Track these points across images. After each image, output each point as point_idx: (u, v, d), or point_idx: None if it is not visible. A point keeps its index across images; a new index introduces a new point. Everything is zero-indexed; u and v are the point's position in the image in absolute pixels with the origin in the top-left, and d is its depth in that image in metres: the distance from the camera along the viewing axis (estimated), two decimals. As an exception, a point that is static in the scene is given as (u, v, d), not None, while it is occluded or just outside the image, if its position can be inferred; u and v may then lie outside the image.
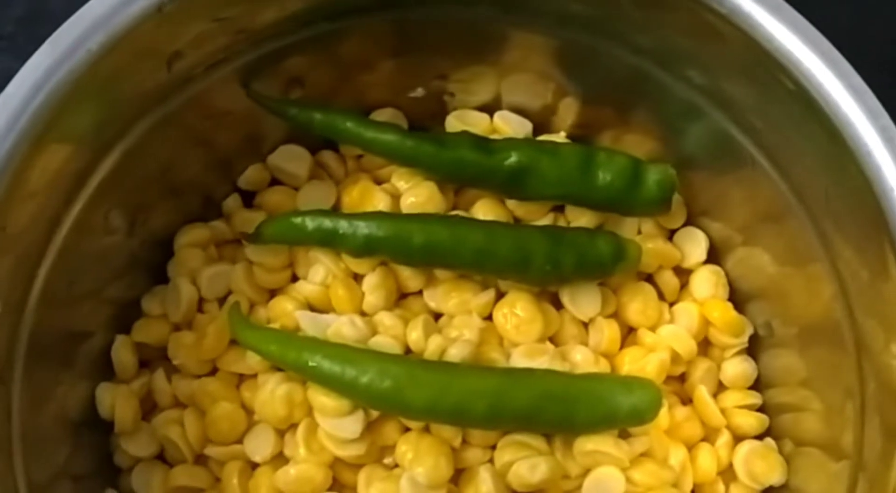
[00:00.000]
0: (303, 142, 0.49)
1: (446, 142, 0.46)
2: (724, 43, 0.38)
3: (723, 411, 0.46)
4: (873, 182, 0.35)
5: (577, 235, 0.46)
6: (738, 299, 0.48)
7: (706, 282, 0.48)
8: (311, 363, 0.42)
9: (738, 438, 0.47)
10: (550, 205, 0.48)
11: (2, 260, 0.37)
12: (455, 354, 0.43)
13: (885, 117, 0.36)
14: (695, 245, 0.49)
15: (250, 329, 0.44)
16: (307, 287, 0.46)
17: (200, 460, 0.45)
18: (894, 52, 0.57)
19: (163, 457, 0.46)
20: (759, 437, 0.47)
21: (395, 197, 0.47)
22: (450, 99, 0.50)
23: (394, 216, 0.45)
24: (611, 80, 0.46)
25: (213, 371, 0.46)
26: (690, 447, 0.46)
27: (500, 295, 0.46)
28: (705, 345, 0.48)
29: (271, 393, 0.43)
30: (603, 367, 0.45)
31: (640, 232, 0.49)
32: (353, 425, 0.42)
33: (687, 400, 0.47)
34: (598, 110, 0.48)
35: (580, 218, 0.48)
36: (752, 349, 0.48)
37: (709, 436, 0.47)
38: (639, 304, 0.47)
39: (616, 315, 0.47)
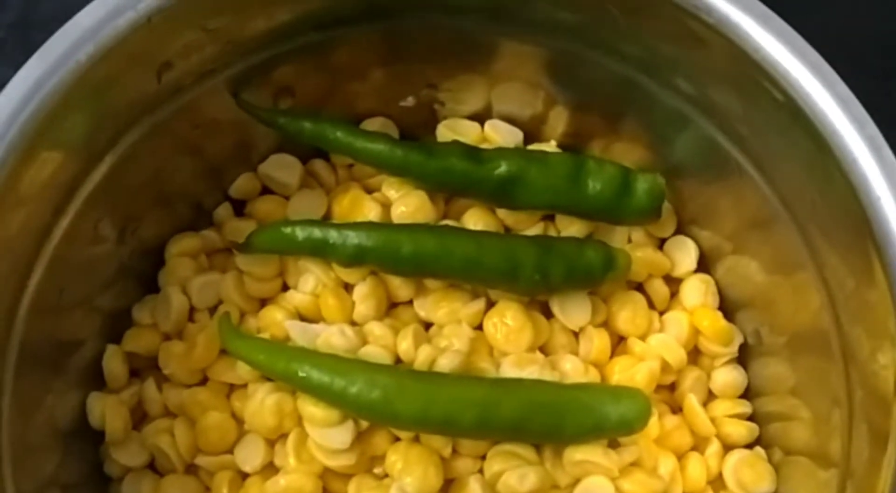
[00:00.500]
0: (293, 151, 0.49)
1: (436, 151, 0.46)
2: (712, 52, 0.39)
3: (712, 420, 0.46)
4: (859, 191, 0.35)
5: (566, 244, 0.46)
6: (727, 307, 0.48)
7: (696, 291, 0.48)
8: (300, 373, 0.42)
9: (727, 447, 0.47)
10: (541, 214, 0.48)
11: (-8, 269, 0.37)
12: (445, 364, 0.43)
13: (872, 126, 0.36)
14: (684, 254, 0.49)
15: (240, 339, 0.44)
16: (297, 297, 0.46)
17: (191, 469, 0.45)
18: (884, 60, 0.57)
19: (153, 467, 0.46)
20: (749, 446, 0.47)
21: (386, 206, 0.47)
22: (440, 108, 0.50)
23: (383, 226, 0.45)
24: (600, 89, 0.46)
25: (204, 381, 0.46)
26: (680, 457, 0.46)
27: (490, 304, 0.46)
28: (695, 354, 0.48)
29: (261, 403, 0.43)
30: (593, 376, 0.45)
31: (630, 241, 0.49)
32: (342, 435, 0.42)
33: (677, 409, 0.47)
34: (588, 119, 0.48)
35: (570, 227, 0.48)
36: (742, 358, 0.48)
37: (698, 445, 0.47)
38: (628, 313, 0.47)
39: (606, 324, 0.47)
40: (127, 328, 0.47)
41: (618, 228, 0.48)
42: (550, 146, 0.49)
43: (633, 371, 0.45)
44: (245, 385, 0.45)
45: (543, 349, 0.46)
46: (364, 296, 0.45)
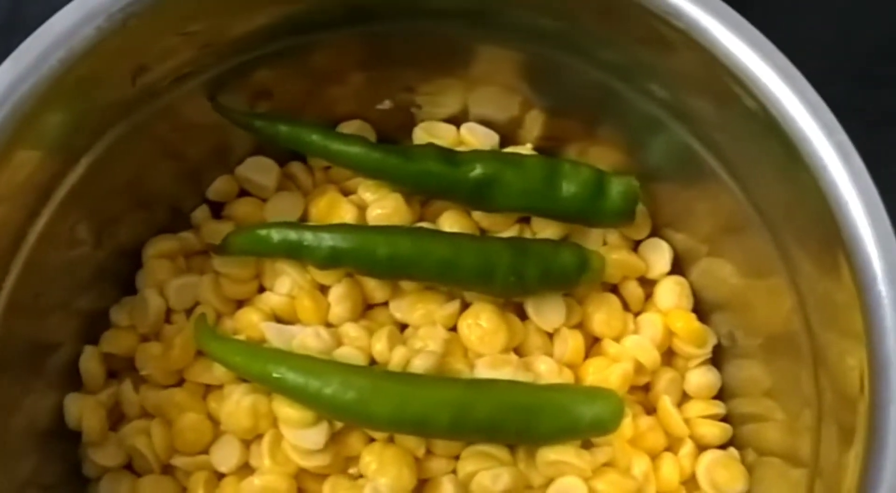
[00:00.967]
0: (271, 153, 0.49)
1: (412, 154, 0.46)
2: (684, 58, 0.39)
3: (686, 421, 0.47)
4: (828, 196, 0.36)
5: (541, 246, 0.46)
6: (702, 309, 0.49)
7: (670, 293, 0.48)
8: (275, 375, 0.42)
9: (701, 448, 0.47)
10: (516, 217, 0.48)
11: (-34, 271, 0.37)
12: (419, 365, 0.43)
13: (841, 132, 0.36)
14: (659, 256, 0.49)
15: (216, 340, 0.44)
16: (273, 298, 0.46)
17: (167, 470, 0.45)
18: (863, 61, 0.58)
19: (131, 467, 0.46)
20: (723, 447, 0.47)
21: (362, 208, 0.47)
22: (417, 111, 0.50)
23: (358, 228, 0.45)
24: (576, 93, 0.46)
25: (181, 382, 0.46)
26: (654, 457, 0.46)
27: (465, 306, 0.47)
28: (669, 355, 0.48)
29: (237, 404, 0.43)
30: (567, 377, 0.46)
31: (605, 243, 0.49)
32: (317, 436, 0.42)
33: (651, 410, 0.48)
34: (564, 123, 0.48)
35: (546, 229, 0.48)
36: (716, 360, 0.48)
37: (672, 446, 0.47)
38: (603, 314, 0.47)
39: (580, 326, 0.48)
40: (104, 330, 0.47)
41: (593, 230, 0.49)
42: (527, 149, 0.50)
43: (608, 372, 0.46)
44: (221, 386, 0.45)
45: (518, 351, 0.47)
46: (340, 298, 0.45)
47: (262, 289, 0.48)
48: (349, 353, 0.44)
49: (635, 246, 0.50)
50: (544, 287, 0.46)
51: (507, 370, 0.44)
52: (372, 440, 0.44)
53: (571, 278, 0.46)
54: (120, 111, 0.42)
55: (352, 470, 0.44)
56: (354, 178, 0.49)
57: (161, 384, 0.46)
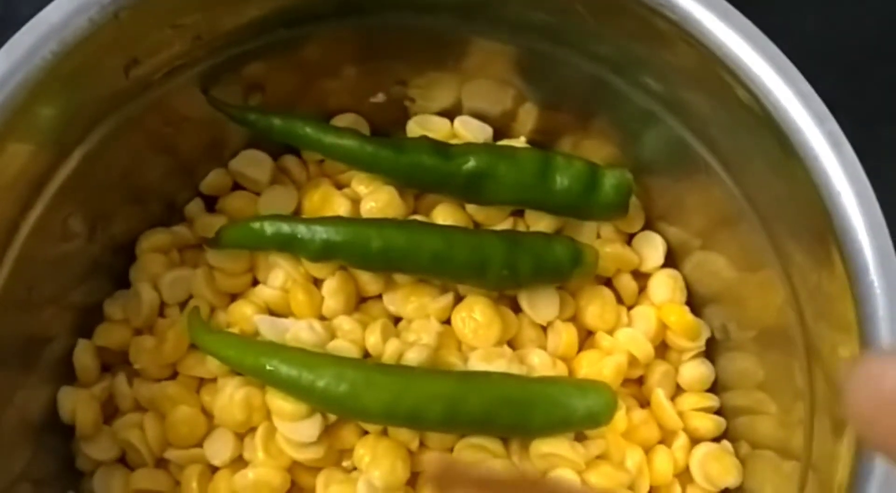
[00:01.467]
0: (264, 147, 0.49)
1: (405, 147, 0.46)
2: (677, 50, 0.39)
3: (680, 413, 0.47)
4: (820, 187, 0.36)
5: (534, 239, 0.46)
6: (695, 302, 0.49)
7: (664, 286, 0.48)
8: (268, 367, 0.42)
9: (694, 440, 0.47)
10: (510, 210, 0.48)
11: (-41, 264, 0.37)
12: (412, 358, 0.43)
13: (832, 122, 0.36)
14: (652, 249, 0.49)
15: (209, 334, 0.44)
16: (267, 292, 0.46)
17: (161, 463, 0.45)
18: (861, 57, 0.58)
19: (124, 460, 0.46)
20: (716, 439, 0.47)
21: (356, 202, 0.47)
22: (410, 104, 0.50)
23: (351, 221, 0.45)
24: (569, 86, 0.46)
25: (174, 375, 0.46)
26: (647, 450, 0.46)
27: (458, 299, 0.47)
28: (663, 348, 0.48)
29: (230, 397, 0.43)
30: (560, 370, 0.46)
31: (598, 236, 0.49)
32: (310, 428, 0.43)
33: (645, 403, 0.48)
34: (558, 116, 0.48)
35: (539, 222, 0.48)
36: (710, 353, 0.49)
37: (666, 439, 0.47)
38: (597, 307, 0.48)
39: (574, 319, 0.48)
40: (98, 323, 0.47)
41: (586, 223, 0.49)
42: (520, 142, 0.50)
43: (601, 365, 0.46)
44: (214, 380, 0.45)
45: (511, 344, 0.47)
46: (333, 291, 0.46)
47: (255, 282, 0.48)
48: (343, 346, 0.44)
49: (629, 239, 0.50)
50: (538, 280, 0.46)
51: (500, 363, 0.44)
52: (365, 432, 0.44)
53: (565, 271, 0.46)
54: (113, 104, 0.42)
55: (345, 463, 0.44)
56: (348, 171, 0.49)
57: (154, 378, 0.46)
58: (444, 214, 0.47)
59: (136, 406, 0.46)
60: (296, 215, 0.48)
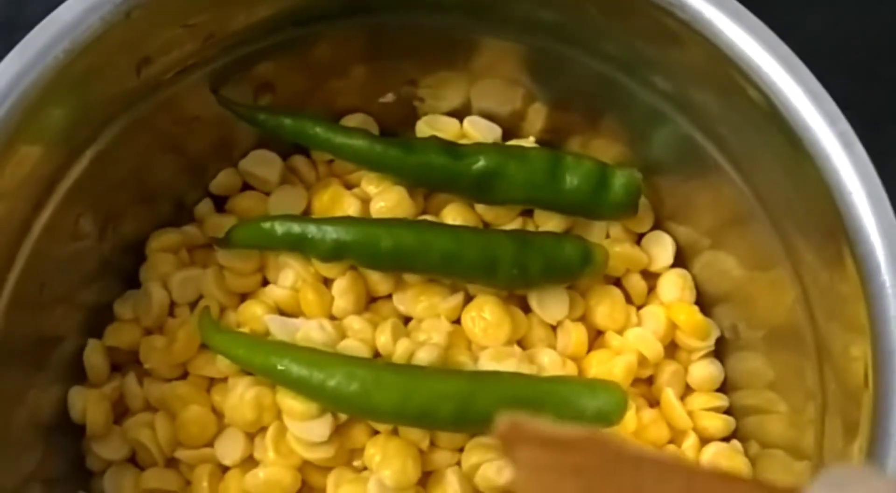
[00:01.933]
0: (274, 147, 0.49)
1: (415, 147, 0.46)
2: (687, 50, 0.39)
3: (689, 413, 0.47)
4: (831, 187, 0.36)
5: (543, 239, 0.46)
6: (704, 302, 0.49)
7: (673, 286, 0.48)
8: (279, 367, 0.42)
9: (704, 440, 0.47)
10: (519, 209, 0.48)
11: (-29, 264, 0.37)
12: (423, 357, 0.43)
13: (844, 122, 0.36)
14: (662, 249, 0.49)
15: (219, 333, 0.44)
16: (277, 291, 0.46)
17: (171, 463, 0.45)
18: (865, 56, 0.58)
19: (134, 460, 0.46)
20: (726, 439, 0.47)
21: (365, 202, 0.47)
22: (420, 104, 0.50)
23: (362, 221, 0.45)
24: (578, 86, 0.46)
25: (184, 375, 0.46)
26: (657, 449, 0.46)
27: (468, 299, 0.47)
28: (672, 348, 0.48)
29: (241, 397, 0.43)
30: (570, 370, 0.46)
31: (608, 236, 0.49)
32: (321, 428, 0.42)
33: (654, 403, 0.48)
34: (567, 116, 0.49)
35: (548, 222, 0.48)
36: (719, 352, 0.48)
37: (676, 438, 0.47)
38: (606, 307, 0.48)
39: (583, 318, 0.48)
40: (108, 323, 0.47)
41: (596, 223, 0.49)
42: (529, 142, 0.50)
43: (611, 365, 0.46)
44: (225, 379, 0.45)
45: (521, 343, 0.47)
46: (343, 291, 0.46)
47: (265, 282, 0.48)
48: (353, 345, 0.44)
49: (638, 239, 0.50)
50: (547, 280, 0.46)
51: (510, 363, 0.44)
52: (376, 432, 0.44)
53: (574, 270, 0.46)
54: (123, 104, 0.42)
55: (356, 463, 0.44)
56: (357, 171, 0.49)
57: (165, 377, 0.46)
58: (453, 214, 0.47)
59: (146, 406, 0.46)
60: (305, 215, 0.48)
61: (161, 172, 0.47)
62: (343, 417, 0.43)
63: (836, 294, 0.38)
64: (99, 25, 0.37)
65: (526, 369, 0.44)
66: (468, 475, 0.43)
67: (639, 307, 0.49)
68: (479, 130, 0.49)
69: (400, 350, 0.43)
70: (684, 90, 0.42)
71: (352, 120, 0.49)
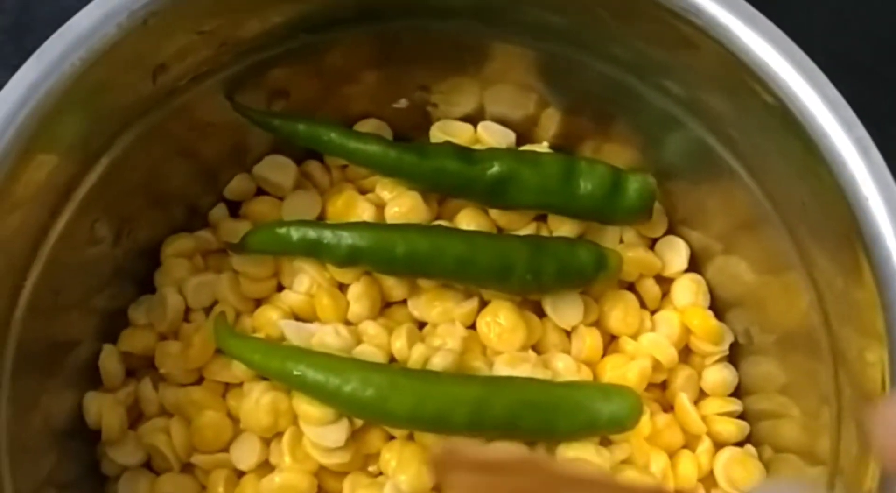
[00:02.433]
0: (288, 152, 0.49)
1: (429, 152, 0.46)
2: (701, 55, 0.39)
3: (703, 418, 0.47)
4: (847, 192, 0.36)
5: (557, 244, 0.46)
6: (718, 307, 0.49)
7: (687, 290, 0.48)
8: (295, 372, 0.42)
9: (718, 445, 0.47)
10: (533, 214, 0.48)
11: (-11, 270, 0.37)
12: (438, 362, 0.43)
13: (860, 128, 0.36)
14: (675, 254, 0.49)
15: (235, 339, 0.44)
16: (292, 297, 0.46)
17: (187, 468, 0.45)
18: (870, 59, 0.58)
19: (149, 465, 0.46)
20: (740, 444, 0.47)
21: (380, 207, 0.47)
22: (433, 110, 0.50)
23: (377, 227, 0.45)
24: (591, 91, 0.46)
25: (199, 380, 0.46)
26: (671, 454, 0.46)
27: (483, 304, 0.47)
28: (686, 353, 0.48)
29: (256, 402, 0.44)
30: (585, 375, 0.46)
31: (621, 241, 0.49)
32: (337, 433, 0.43)
33: (668, 407, 0.48)
34: (579, 121, 0.49)
35: (562, 227, 0.48)
36: (733, 357, 0.48)
37: (690, 443, 0.47)
38: (620, 312, 0.48)
39: (597, 323, 0.48)
40: (123, 328, 0.47)
41: (609, 228, 0.49)
42: (542, 147, 0.50)
43: (625, 370, 0.46)
44: (240, 384, 0.45)
45: (536, 348, 0.47)
46: (358, 296, 0.46)
47: (280, 287, 0.48)
48: (368, 351, 0.44)
49: (651, 244, 0.50)
50: (561, 285, 0.46)
51: (525, 368, 0.44)
52: (391, 437, 0.44)
53: (588, 275, 0.46)
54: (139, 110, 0.42)
55: (371, 468, 0.44)
56: (371, 176, 0.49)
57: (180, 383, 0.46)
58: (467, 219, 0.47)
59: (161, 411, 0.46)
60: (320, 220, 0.48)
61: (175, 177, 0.47)
62: (359, 422, 0.43)
63: (851, 299, 0.38)
64: (115, 33, 0.37)
65: (540, 374, 0.44)
66: (484, 481, 0.43)
67: (653, 312, 0.49)
68: (492, 135, 0.49)
69: (415, 355, 0.44)
70: (697, 95, 0.42)
71: (365, 125, 0.49)
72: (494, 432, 0.43)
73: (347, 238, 0.44)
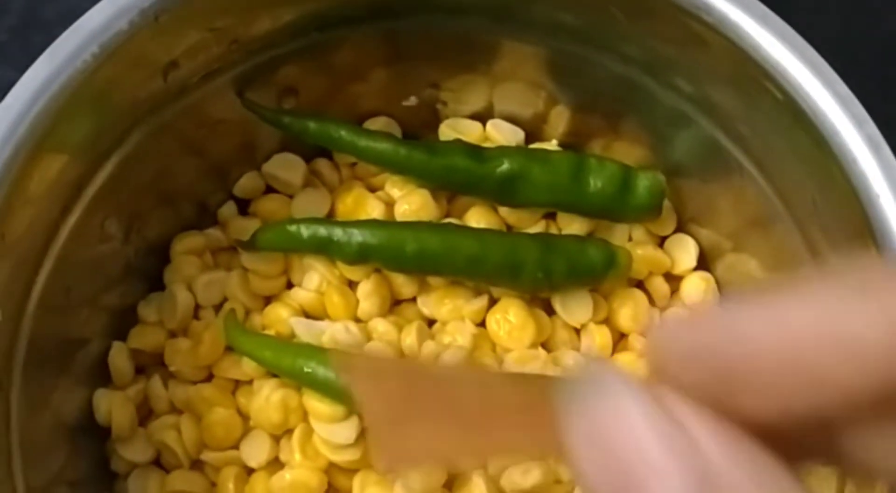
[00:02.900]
0: (297, 150, 0.49)
1: (438, 150, 0.46)
2: (712, 52, 0.39)
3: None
4: (859, 190, 0.36)
5: (567, 242, 0.46)
6: (727, 305, 0.49)
7: (696, 288, 0.48)
8: (305, 370, 0.42)
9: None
10: (542, 212, 0.48)
11: (0, 268, 0.37)
12: (448, 360, 0.43)
13: (871, 125, 0.36)
14: (685, 252, 0.49)
15: (245, 336, 0.44)
16: (302, 294, 0.46)
17: (196, 465, 0.45)
18: (879, 60, 0.58)
19: (159, 462, 0.46)
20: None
21: (389, 205, 0.47)
22: (442, 107, 0.50)
23: (387, 224, 0.46)
24: (601, 89, 0.46)
25: (209, 377, 0.46)
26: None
27: (492, 302, 0.47)
28: (695, 350, 0.48)
29: (266, 399, 0.44)
30: (594, 372, 0.46)
31: (630, 239, 0.49)
32: (347, 430, 0.43)
33: (677, 405, 0.48)
34: (589, 119, 0.48)
35: (572, 225, 0.48)
36: (742, 354, 0.48)
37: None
38: (630, 310, 0.48)
39: (607, 321, 0.48)
40: (132, 326, 0.47)
41: (618, 226, 0.49)
42: (552, 145, 0.50)
43: (635, 367, 0.46)
44: (250, 382, 0.46)
45: (545, 346, 0.47)
46: (368, 293, 0.46)
47: (290, 285, 0.48)
48: (378, 348, 0.44)
49: (661, 242, 0.50)
50: (571, 283, 0.46)
51: (535, 365, 0.44)
52: (401, 434, 0.44)
53: (598, 273, 0.46)
54: (149, 108, 0.42)
55: (382, 465, 0.44)
56: (381, 174, 0.49)
57: (190, 380, 0.46)
58: (477, 217, 0.47)
59: (171, 408, 0.46)
60: (329, 218, 0.48)
61: (185, 175, 0.47)
62: (369, 419, 0.43)
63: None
64: (127, 30, 0.37)
65: (551, 371, 0.44)
66: (494, 479, 0.43)
67: (662, 310, 0.49)
68: (502, 133, 0.49)
69: (425, 353, 0.44)
70: (707, 92, 0.42)
71: (375, 123, 0.49)
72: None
73: (358, 236, 0.44)
